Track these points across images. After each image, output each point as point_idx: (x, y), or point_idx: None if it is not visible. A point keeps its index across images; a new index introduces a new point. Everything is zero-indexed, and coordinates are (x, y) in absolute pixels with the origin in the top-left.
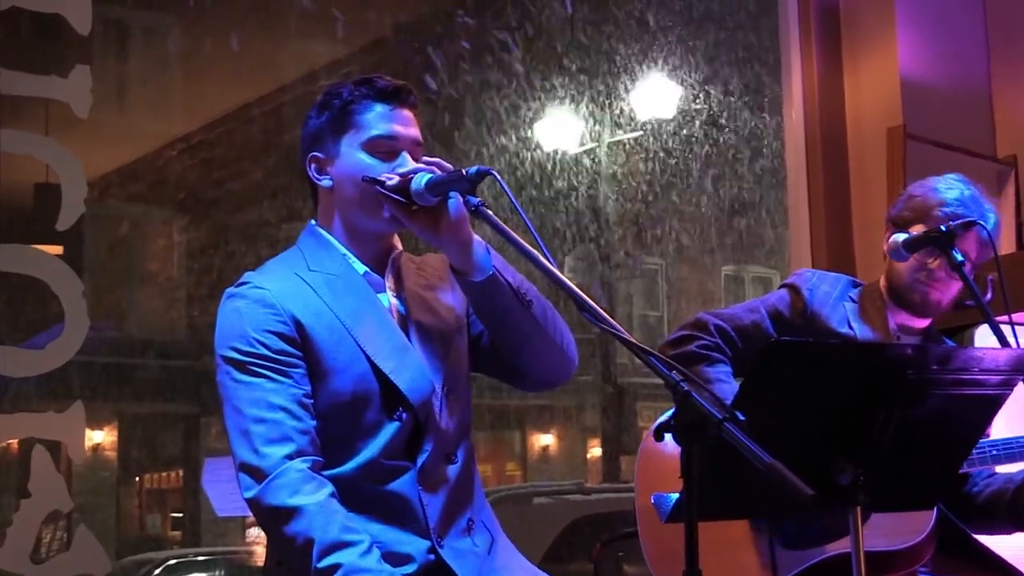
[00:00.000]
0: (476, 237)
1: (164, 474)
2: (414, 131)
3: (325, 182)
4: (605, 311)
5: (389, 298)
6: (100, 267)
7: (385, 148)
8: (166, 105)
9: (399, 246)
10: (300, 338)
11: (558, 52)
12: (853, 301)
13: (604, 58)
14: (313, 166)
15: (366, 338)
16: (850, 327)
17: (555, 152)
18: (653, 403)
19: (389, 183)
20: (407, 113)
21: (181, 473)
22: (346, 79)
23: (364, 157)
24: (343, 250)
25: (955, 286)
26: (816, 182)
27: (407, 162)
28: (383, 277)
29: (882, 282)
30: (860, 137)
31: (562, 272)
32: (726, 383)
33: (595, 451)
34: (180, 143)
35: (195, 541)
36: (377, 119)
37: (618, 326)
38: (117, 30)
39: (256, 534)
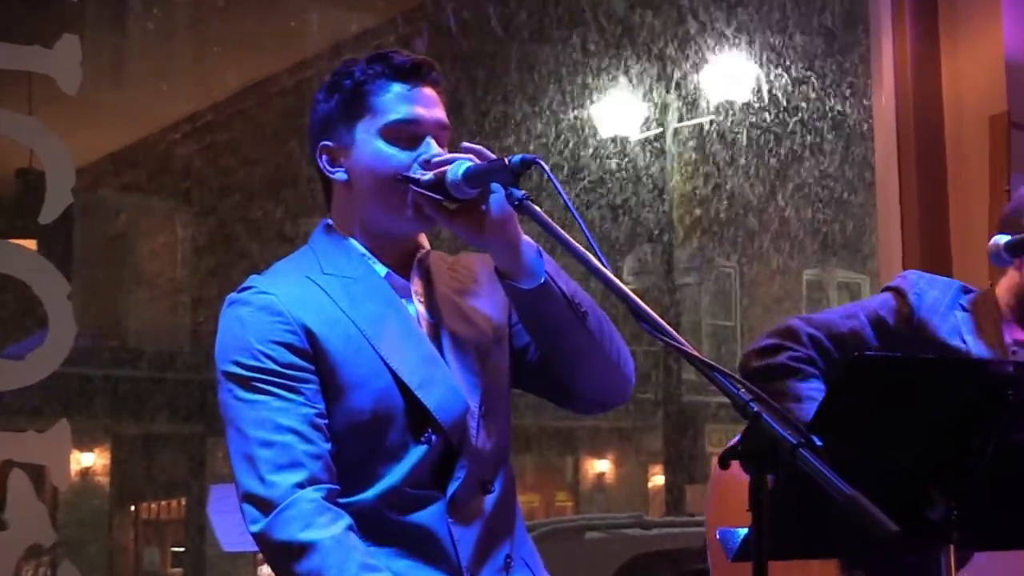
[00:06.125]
0: (526, 238)
1: (164, 503)
2: (439, 112)
3: (339, 175)
4: (667, 321)
5: (416, 305)
6: (90, 266)
7: (407, 134)
8: (169, 81)
9: (427, 245)
10: (312, 350)
11: (619, 25)
12: (965, 310)
13: (672, 32)
14: (324, 157)
15: (389, 349)
16: (962, 340)
17: (614, 138)
18: (723, 425)
19: (423, 179)
20: (429, 92)
21: (183, 502)
22: (375, 51)
23: (383, 145)
24: (362, 250)
25: None
26: (909, 176)
27: (432, 147)
28: (408, 280)
29: (999, 291)
30: (959, 126)
31: (620, 277)
32: (818, 402)
33: (657, 479)
34: (185, 125)
35: None
36: (396, 101)
37: (680, 338)
38: None
39: (268, 573)
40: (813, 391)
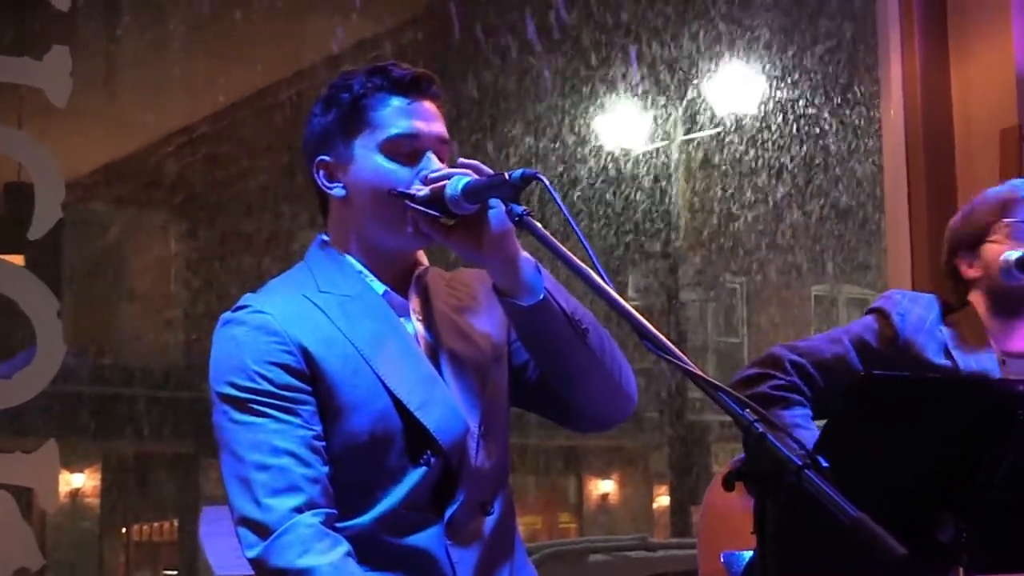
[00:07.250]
0: (525, 254)
1: (156, 525)
2: (439, 127)
3: (337, 191)
4: (671, 339)
5: (414, 323)
6: (80, 282)
7: (407, 148)
8: (162, 92)
9: (425, 262)
10: (309, 370)
11: (623, 35)
12: (949, 325)
13: (678, 43)
14: (322, 172)
15: (387, 369)
16: (948, 357)
17: (618, 151)
18: (730, 445)
19: (419, 195)
20: (429, 106)
21: (176, 523)
22: (373, 64)
23: (383, 161)
24: (359, 267)
25: None
26: (918, 190)
27: (432, 163)
28: (407, 298)
29: (980, 305)
30: (969, 139)
31: (624, 293)
32: (805, 428)
33: (662, 500)
34: (179, 137)
35: None
36: (395, 115)
37: (684, 357)
38: (104, 4)
39: None
40: (799, 418)
